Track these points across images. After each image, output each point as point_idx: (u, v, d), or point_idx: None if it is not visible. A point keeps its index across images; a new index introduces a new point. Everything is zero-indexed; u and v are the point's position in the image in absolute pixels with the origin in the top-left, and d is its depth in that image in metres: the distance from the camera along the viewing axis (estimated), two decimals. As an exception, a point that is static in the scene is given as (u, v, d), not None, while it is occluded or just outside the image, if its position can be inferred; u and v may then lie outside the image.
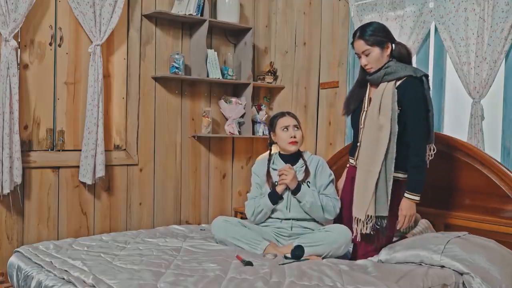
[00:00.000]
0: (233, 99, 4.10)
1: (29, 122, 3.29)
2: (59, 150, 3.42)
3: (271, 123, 3.01)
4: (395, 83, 2.61)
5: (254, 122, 4.28)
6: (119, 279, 2.08)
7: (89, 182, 3.39)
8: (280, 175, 2.83)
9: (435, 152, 2.72)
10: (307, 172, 2.90)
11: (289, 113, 3.00)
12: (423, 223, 3.02)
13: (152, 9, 3.74)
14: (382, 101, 2.59)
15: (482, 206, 2.90)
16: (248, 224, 2.88)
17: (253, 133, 4.27)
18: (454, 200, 3.02)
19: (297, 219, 2.86)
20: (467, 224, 2.92)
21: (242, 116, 4.14)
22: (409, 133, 2.58)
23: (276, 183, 2.88)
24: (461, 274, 2.40)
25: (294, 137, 2.90)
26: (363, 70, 2.76)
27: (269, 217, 2.92)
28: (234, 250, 2.66)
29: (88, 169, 3.37)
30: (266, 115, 4.32)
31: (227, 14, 4.03)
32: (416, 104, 2.57)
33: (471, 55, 3.05)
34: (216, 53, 4.04)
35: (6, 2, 3.02)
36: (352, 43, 2.72)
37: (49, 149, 3.39)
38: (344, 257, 2.69)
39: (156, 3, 3.81)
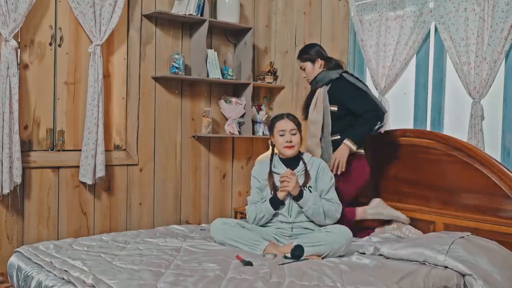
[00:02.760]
0: (233, 99, 4.10)
1: (29, 122, 3.29)
2: (59, 150, 3.42)
3: (270, 125, 3.00)
4: (326, 87, 3.19)
5: (254, 122, 4.28)
6: (119, 279, 2.08)
7: (89, 182, 3.39)
8: (281, 181, 2.81)
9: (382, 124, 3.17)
10: (307, 176, 2.87)
11: (288, 116, 2.97)
12: (376, 201, 3.17)
13: (152, 9, 3.74)
14: (317, 102, 3.20)
15: (482, 206, 2.90)
16: (247, 225, 2.87)
17: (253, 133, 4.27)
18: (454, 200, 3.02)
19: (298, 222, 2.86)
20: (467, 224, 2.92)
21: (242, 116, 4.14)
22: (356, 112, 3.11)
23: (277, 187, 2.86)
24: (463, 275, 2.40)
25: (290, 141, 2.88)
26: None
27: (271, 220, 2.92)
28: (234, 250, 2.66)
29: (88, 169, 3.37)
30: (266, 115, 4.32)
31: (227, 14, 4.03)
32: (347, 94, 3.14)
33: (471, 55, 3.05)
34: (216, 53, 4.04)
35: (6, 2, 3.02)
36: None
37: (49, 149, 3.39)
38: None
39: (156, 3, 3.81)
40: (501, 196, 2.82)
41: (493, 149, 3.03)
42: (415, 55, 3.41)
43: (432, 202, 3.12)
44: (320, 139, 3.16)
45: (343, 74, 3.19)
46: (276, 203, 2.83)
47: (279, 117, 2.98)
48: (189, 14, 3.77)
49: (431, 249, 2.52)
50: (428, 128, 3.36)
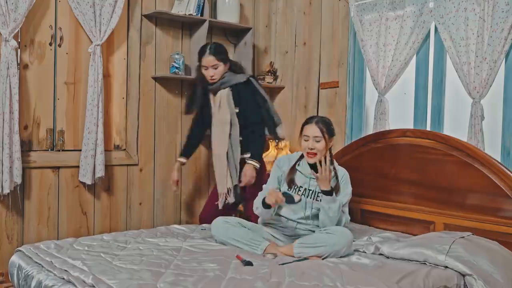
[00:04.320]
0: (233, 99, 4.09)
1: (29, 122, 3.29)
2: (59, 150, 3.42)
3: (301, 126, 2.91)
4: (230, 89, 3.34)
5: (254, 122, 4.27)
6: (118, 279, 2.08)
7: (89, 182, 3.39)
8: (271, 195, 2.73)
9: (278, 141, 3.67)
10: (337, 187, 2.82)
11: (318, 122, 2.81)
12: None
13: (152, 9, 3.74)
14: (221, 103, 3.34)
15: (482, 206, 2.90)
16: (248, 224, 2.87)
17: (253, 133, 4.26)
18: (454, 200, 3.02)
19: (303, 223, 2.86)
20: (467, 224, 2.92)
21: (242, 116, 4.13)
22: (248, 118, 3.33)
23: (294, 186, 2.84)
24: (463, 275, 2.40)
25: (312, 149, 2.78)
26: (203, 79, 3.39)
27: (279, 215, 2.90)
28: (234, 250, 2.66)
29: (88, 169, 3.37)
30: (266, 115, 4.32)
31: (227, 14, 4.03)
32: (249, 101, 3.34)
33: (471, 55, 3.05)
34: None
35: (6, 2, 3.02)
36: (201, 59, 3.33)
37: (49, 149, 3.39)
38: None
39: (156, 3, 3.81)
40: (501, 196, 2.82)
41: (493, 149, 3.03)
42: (415, 55, 3.41)
43: (432, 202, 3.12)
44: (230, 143, 3.34)
45: (250, 78, 3.38)
46: (265, 204, 2.77)
47: (309, 120, 2.86)
48: (189, 14, 3.77)
49: (432, 249, 2.51)
50: (428, 128, 3.35)
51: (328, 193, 2.71)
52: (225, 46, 3.45)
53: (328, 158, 2.74)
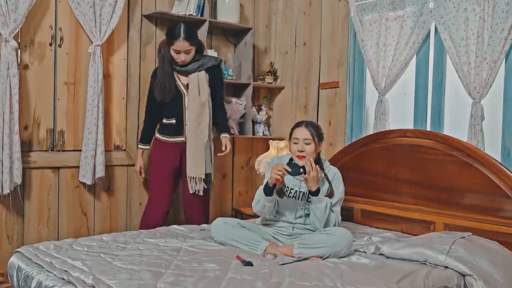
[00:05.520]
0: (233, 99, 4.10)
1: (29, 122, 3.29)
2: (59, 151, 3.42)
3: (290, 131, 2.92)
4: (204, 71, 3.43)
5: (254, 122, 4.28)
6: (118, 279, 2.08)
7: (89, 182, 3.39)
8: (274, 171, 2.73)
9: None
10: (331, 192, 2.82)
11: (307, 125, 2.84)
12: None
13: (152, 9, 3.74)
14: (200, 85, 3.39)
15: (482, 206, 2.90)
16: (248, 225, 2.87)
17: (253, 133, 4.27)
18: (454, 200, 3.02)
19: (300, 223, 2.86)
20: (467, 224, 2.92)
21: (242, 116, 4.14)
22: (218, 101, 3.55)
23: (286, 186, 2.83)
24: (464, 275, 2.40)
25: (302, 151, 2.79)
26: (173, 62, 3.38)
27: (274, 216, 2.91)
28: (234, 250, 2.66)
29: (88, 170, 3.37)
30: (266, 115, 4.33)
31: (227, 14, 4.03)
32: (220, 83, 3.57)
33: (471, 55, 3.05)
34: (216, 53, 4.04)
35: (6, 2, 3.02)
36: (173, 42, 3.29)
37: (49, 150, 3.39)
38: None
39: (156, 3, 3.81)
40: (501, 196, 2.82)
41: (493, 149, 3.03)
42: (415, 55, 3.41)
43: (432, 202, 3.12)
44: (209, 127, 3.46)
45: (220, 63, 3.55)
46: (266, 188, 2.77)
47: (299, 124, 2.88)
48: (189, 14, 3.77)
49: (432, 249, 2.51)
50: (428, 128, 3.35)
51: (314, 193, 2.72)
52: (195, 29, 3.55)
53: (313, 164, 2.72)
